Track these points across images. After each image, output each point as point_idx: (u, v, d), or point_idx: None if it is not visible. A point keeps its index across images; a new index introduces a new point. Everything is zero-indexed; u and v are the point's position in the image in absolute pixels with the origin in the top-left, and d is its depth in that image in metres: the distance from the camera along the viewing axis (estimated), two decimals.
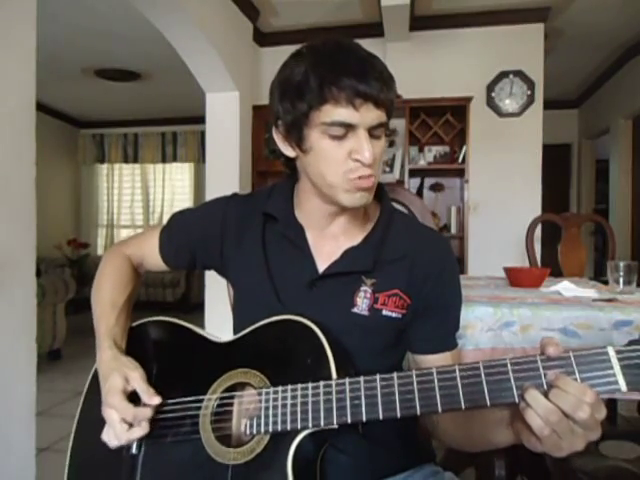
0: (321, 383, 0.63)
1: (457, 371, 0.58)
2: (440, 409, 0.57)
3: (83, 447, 0.79)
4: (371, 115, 0.67)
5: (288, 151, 0.75)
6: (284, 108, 0.70)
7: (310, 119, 0.68)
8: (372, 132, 0.69)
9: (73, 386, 2.97)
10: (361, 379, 0.61)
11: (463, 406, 0.56)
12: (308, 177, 0.75)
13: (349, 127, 0.67)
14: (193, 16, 2.61)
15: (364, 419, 0.60)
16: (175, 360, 0.79)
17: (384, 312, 0.75)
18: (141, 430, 0.69)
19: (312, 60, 0.68)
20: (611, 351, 0.53)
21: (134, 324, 0.86)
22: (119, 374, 0.71)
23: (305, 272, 0.78)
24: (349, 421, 0.60)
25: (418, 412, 0.58)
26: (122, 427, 0.69)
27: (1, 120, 1.30)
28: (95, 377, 0.78)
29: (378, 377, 0.61)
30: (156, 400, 0.70)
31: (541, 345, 0.56)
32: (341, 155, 0.68)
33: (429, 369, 0.59)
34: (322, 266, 0.78)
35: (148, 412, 0.70)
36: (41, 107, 5.48)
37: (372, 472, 0.76)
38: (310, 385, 0.63)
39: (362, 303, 0.75)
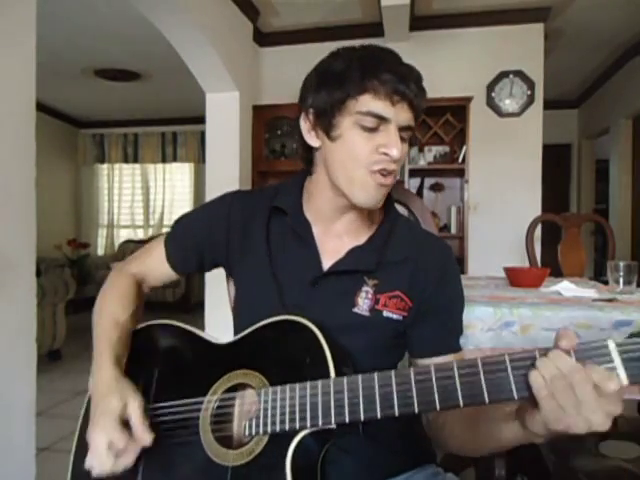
0: (319, 382, 0.62)
1: (455, 368, 0.57)
2: (438, 406, 0.57)
3: (86, 446, 0.79)
4: (404, 115, 0.70)
5: (312, 140, 0.76)
6: (319, 96, 0.72)
7: (346, 107, 0.70)
8: (400, 133, 0.70)
9: (73, 386, 2.96)
10: (359, 377, 0.61)
11: (461, 403, 0.56)
12: (326, 169, 0.76)
13: (382, 120, 0.69)
14: (193, 16, 2.61)
15: (362, 418, 0.59)
16: (175, 362, 0.79)
17: (385, 313, 0.76)
18: (126, 460, 0.65)
19: (354, 55, 0.71)
20: (611, 344, 0.53)
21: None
22: (119, 397, 0.67)
23: (309, 269, 0.78)
24: (347, 420, 0.60)
25: (416, 410, 0.58)
26: (108, 454, 0.64)
27: (1, 120, 1.30)
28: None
29: (376, 375, 0.60)
30: (148, 439, 0.65)
31: (556, 336, 0.55)
32: (368, 149, 0.70)
33: (427, 367, 0.59)
34: (327, 264, 0.78)
35: (137, 446, 0.66)
36: (41, 107, 5.48)
37: (373, 473, 0.76)
38: (308, 384, 0.63)
39: (363, 303, 0.75)
